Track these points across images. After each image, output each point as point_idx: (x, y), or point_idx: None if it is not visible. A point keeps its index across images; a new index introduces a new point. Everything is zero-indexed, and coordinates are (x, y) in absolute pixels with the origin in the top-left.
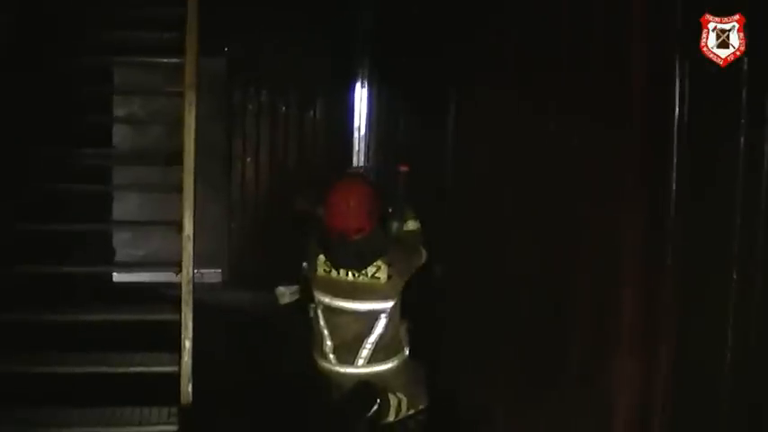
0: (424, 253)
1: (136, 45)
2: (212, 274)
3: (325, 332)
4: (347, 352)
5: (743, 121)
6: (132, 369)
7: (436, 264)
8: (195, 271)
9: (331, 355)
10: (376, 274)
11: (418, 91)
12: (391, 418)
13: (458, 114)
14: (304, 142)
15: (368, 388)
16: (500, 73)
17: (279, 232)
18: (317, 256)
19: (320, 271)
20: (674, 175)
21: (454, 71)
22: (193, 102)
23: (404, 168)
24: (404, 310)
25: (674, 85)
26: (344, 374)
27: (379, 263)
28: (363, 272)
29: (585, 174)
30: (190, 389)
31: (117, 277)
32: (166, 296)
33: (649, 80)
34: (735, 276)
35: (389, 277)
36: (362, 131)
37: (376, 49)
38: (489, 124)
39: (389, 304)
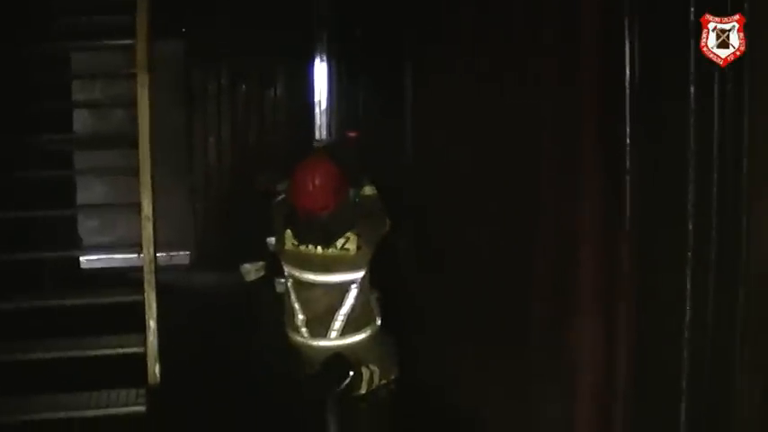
0: (387, 219)
1: (91, 29)
2: (180, 257)
3: (297, 306)
4: (319, 325)
5: (692, 75)
6: (99, 352)
7: (400, 238)
8: (164, 254)
9: (303, 329)
10: (345, 245)
11: (376, 62)
12: (363, 389)
13: (414, 85)
14: (266, 120)
15: (340, 361)
16: (454, 42)
17: (244, 211)
18: (285, 231)
19: (288, 245)
20: (628, 131)
21: (410, 40)
22: (146, 83)
23: (352, 134)
24: (373, 280)
25: (624, 45)
26: (317, 348)
27: (348, 235)
28: (332, 244)
29: (543, 136)
30: (157, 369)
31: (84, 264)
32: (134, 280)
33: (600, 38)
34: (691, 228)
35: (359, 248)
36: (323, 106)
37: (334, 22)
38: (445, 93)
39: (360, 274)
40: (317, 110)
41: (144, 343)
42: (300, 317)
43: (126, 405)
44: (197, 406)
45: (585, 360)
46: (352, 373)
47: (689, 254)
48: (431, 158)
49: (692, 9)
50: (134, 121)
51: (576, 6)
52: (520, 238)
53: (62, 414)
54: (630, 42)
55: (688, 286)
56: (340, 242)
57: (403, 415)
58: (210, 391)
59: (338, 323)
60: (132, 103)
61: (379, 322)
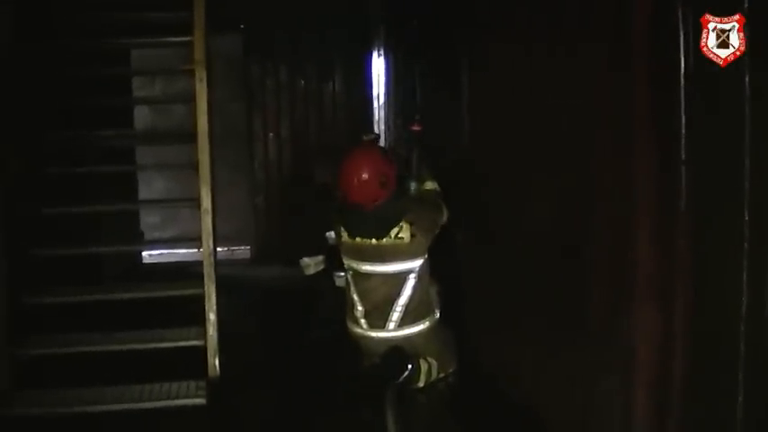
0: (445, 210)
1: (150, 26)
2: (241, 251)
3: (356, 297)
4: (378, 316)
5: (747, 59)
6: (160, 345)
7: (457, 231)
8: (225, 248)
9: (362, 320)
10: (399, 235)
11: (433, 55)
12: (422, 383)
13: (471, 76)
14: (324, 115)
15: (399, 354)
16: (508, 30)
17: (304, 206)
18: (339, 225)
19: (345, 237)
20: (683, 120)
21: (465, 30)
22: (204, 78)
23: (416, 128)
24: (433, 272)
25: (678, 30)
26: (376, 339)
27: (401, 223)
28: (387, 234)
29: (597, 126)
30: (217, 362)
31: (146, 258)
32: (195, 274)
33: (653, 25)
34: (747, 218)
35: (413, 236)
36: (381, 100)
37: (390, 17)
38: (500, 82)
39: (417, 263)
40: (374, 104)
41: (204, 336)
42: (360, 308)
43: (186, 397)
44: (256, 398)
45: (642, 347)
46: (410, 365)
47: (745, 240)
48: (487, 148)
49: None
50: (193, 116)
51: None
52: (575, 226)
53: (123, 406)
54: (685, 30)
55: (744, 273)
56: (394, 231)
57: (461, 407)
58: (270, 384)
59: (396, 314)
60: (191, 99)
61: (437, 315)
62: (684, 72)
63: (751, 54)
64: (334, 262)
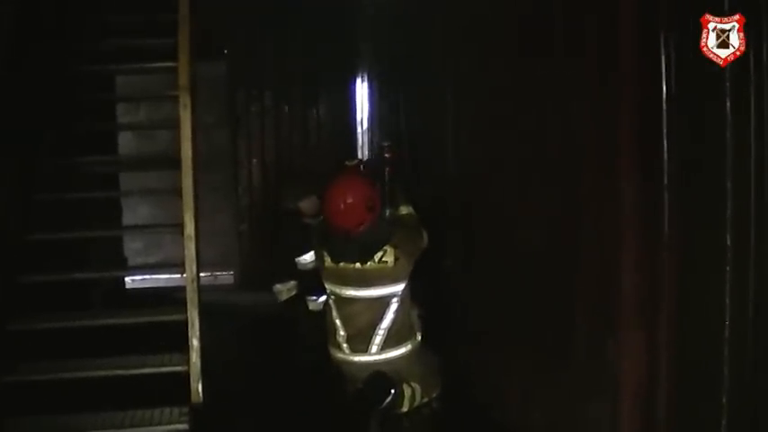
0: (425, 234)
1: (136, 52)
2: (225, 277)
3: (338, 322)
4: (361, 341)
5: (728, 84)
6: (142, 370)
7: (445, 257)
8: (208, 274)
9: (344, 345)
10: (383, 258)
11: (417, 80)
12: (406, 407)
13: (456, 99)
14: (309, 140)
15: (382, 379)
16: (493, 54)
17: (288, 231)
18: (321, 250)
19: (327, 262)
20: (665, 145)
21: (450, 55)
22: (188, 104)
23: (388, 154)
24: (414, 295)
25: (661, 57)
26: (358, 363)
27: (385, 248)
28: (370, 258)
29: (583, 153)
30: (200, 388)
31: (130, 284)
32: (178, 299)
33: (639, 51)
34: (729, 243)
35: (397, 259)
36: (365, 125)
37: (375, 43)
38: (486, 105)
39: (400, 287)
40: (359, 129)
41: (187, 362)
42: (342, 333)
43: (169, 423)
44: (239, 425)
45: (628, 371)
46: (393, 390)
47: (727, 264)
48: (473, 174)
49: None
50: (178, 142)
51: (613, 17)
52: (561, 251)
53: None
54: (666, 52)
55: (727, 297)
56: (378, 255)
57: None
58: (253, 411)
59: (379, 338)
60: (176, 125)
61: (419, 338)
62: (666, 97)
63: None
64: (306, 287)
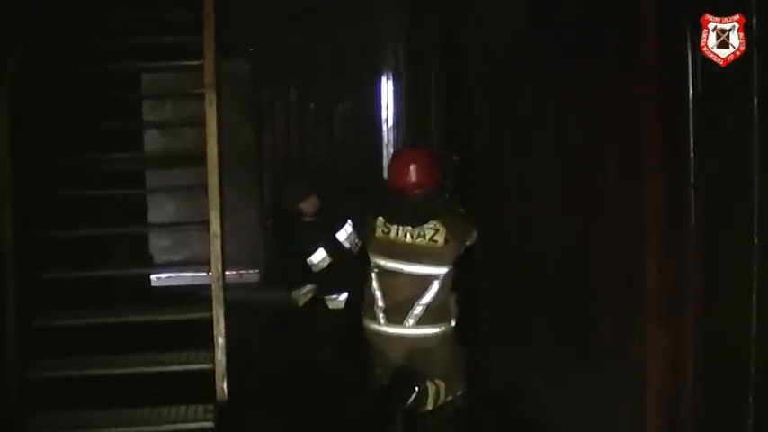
0: (474, 231)
1: (161, 50)
2: (251, 275)
3: (378, 294)
4: (398, 312)
5: (756, 79)
6: (167, 368)
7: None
8: (234, 272)
9: (381, 315)
10: (434, 237)
11: (444, 78)
12: (430, 405)
13: (481, 98)
14: (334, 136)
15: (406, 376)
16: (519, 54)
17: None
18: (376, 218)
19: (379, 232)
20: (692, 139)
21: (475, 54)
22: (214, 101)
23: (456, 158)
24: (456, 283)
25: (687, 46)
26: (392, 336)
27: (437, 225)
28: (421, 234)
29: (608, 145)
30: (225, 385)
31: (155, 282)
32: (203, 297)
33: (663, 48)
34: (756, 241)
35: (447, 242)
36: (390, 122)
37: (401, 37)
38: (511, 105)
39: (443, 270)
40: (384, 126)
41: (212, 359)
42: (380, 304)
43: (194, 420)
44: (264, 422)
45: (652, 366)
46: (417, 388)
47: (754, 258)
48: (498, 165)
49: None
50: (203, 139)
51: (636, 12)
52: (585, 244)
53: (132, 429)
54: (692, 48)
55: (754, 292)
56: (429, 233)
57: (469, 430)
58: (277, 408)
59: (417, 311)
60: (201, 123)
61: (453, 323)
62: (692, 93)
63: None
64: (324, 286)
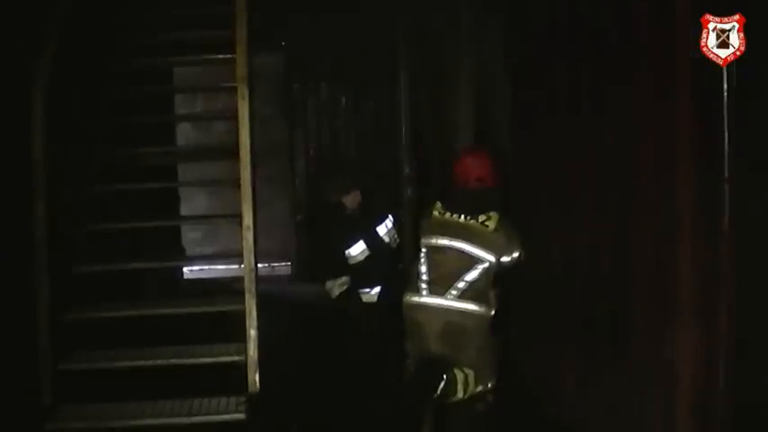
0: (520, 246)
1: (194, 44)
2: (283, 268)
3: (423, 268)
4: (442, 284)
5: None
6: (200, 360)
7: None
8: (266, 265)
9: (423, 287)
10: (486, 222)
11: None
12: (460, 394)
13: (513, 97)
14: (365, 131)
15: (434, 365)
16: (551, 55)
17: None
18: (435, 203)
19: (435, 214)
20: (726, 137)
21: (508, 52)
22: (246, 95)
23: None
24: (498, 282)
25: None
26: (432, 307)
27: (490, 215)
28: (474, 217)
29: (641, 144)
30: (257, 377)
31: (187, 274)
32: (236, 290)
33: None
34: None
35: (497, 230)
36: None
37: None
38: (543, 104)
39: (490, 257)
40: None
41: (244, 352)
42: (425, 277)
43: (226, 413)
44: (296, 414)
45: (685, 364)
46: (445, 376)
47: None
48: (529, 167)
49: None
50: (235, 133)
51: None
52: (618, 243)
53: (163, 421)
54: None
55: None
56: (482, 218)
57: (500, 426)
58: (309, 401)
59: (461, 284)
60: (233, 116)
61: (492, 312)
62: (727, 89)
63: None
64: (358, 279)
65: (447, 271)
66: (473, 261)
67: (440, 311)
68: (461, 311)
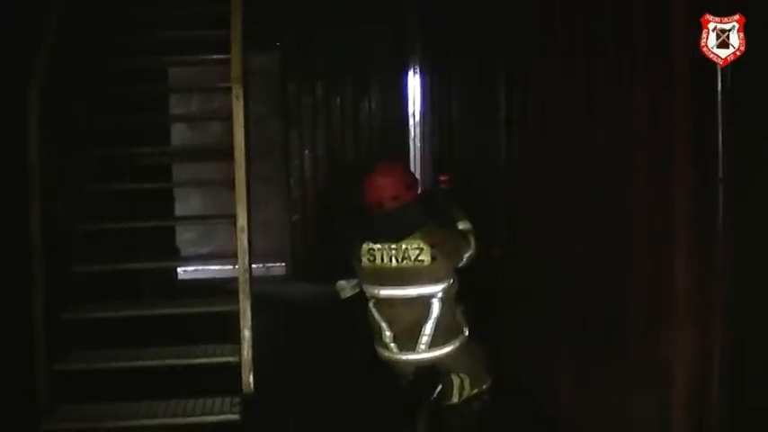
0: (473, 243)
1: (189, 44)
2: (277, 268)
3: (383, 324)
4: (407, 339)
5: None
6: (194, 361)
7: (495, 246)
8: (260, 265)
9: (392, 344)
10: (419, 257)
11: (470, 75)
12: (456, 398)
13: (508, 96)
14: (361, 132)
15: (429, 371)
16: (547, 55)
17: (339, 223)
18: (361, 246)
19: (365, 261)
20: (720, 137)
21: (503, 54)
22: (241, 95)
23: (443, 178)
24: (461, 295)
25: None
26: (407, 361)
27: (420, 244)
28: (406, 256)
29: (636, 147)
30: (251, 378)
31: (181, 275)
32: (230, 290)
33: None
34: None
35: (433, 259)
36: (417, 117)
37: (426, 35)
38: (539, 104)
39: (439, 287)
40: (410, 122)
41: (239, 352)
42: (388, 333)
43: (221, 413)
44: (290, 415)
45: (680, 364)
46: (441, 382)
47: None
48: (524, 167)
49: None
50: (230, 133)
51: (665, 11)
52: (613, 241)
53: (159, 421)
54: None
55: None
56: (413, 254)
57: (497, 427)
58: (304, 402)
59: (425, 337)
60: (228, 116)
61: (466, 333)
62: (722, 90)
63: None
64: None
65: (406, 323)
66: (426, 302)
67: (416, 362)
68: (437, 358)
